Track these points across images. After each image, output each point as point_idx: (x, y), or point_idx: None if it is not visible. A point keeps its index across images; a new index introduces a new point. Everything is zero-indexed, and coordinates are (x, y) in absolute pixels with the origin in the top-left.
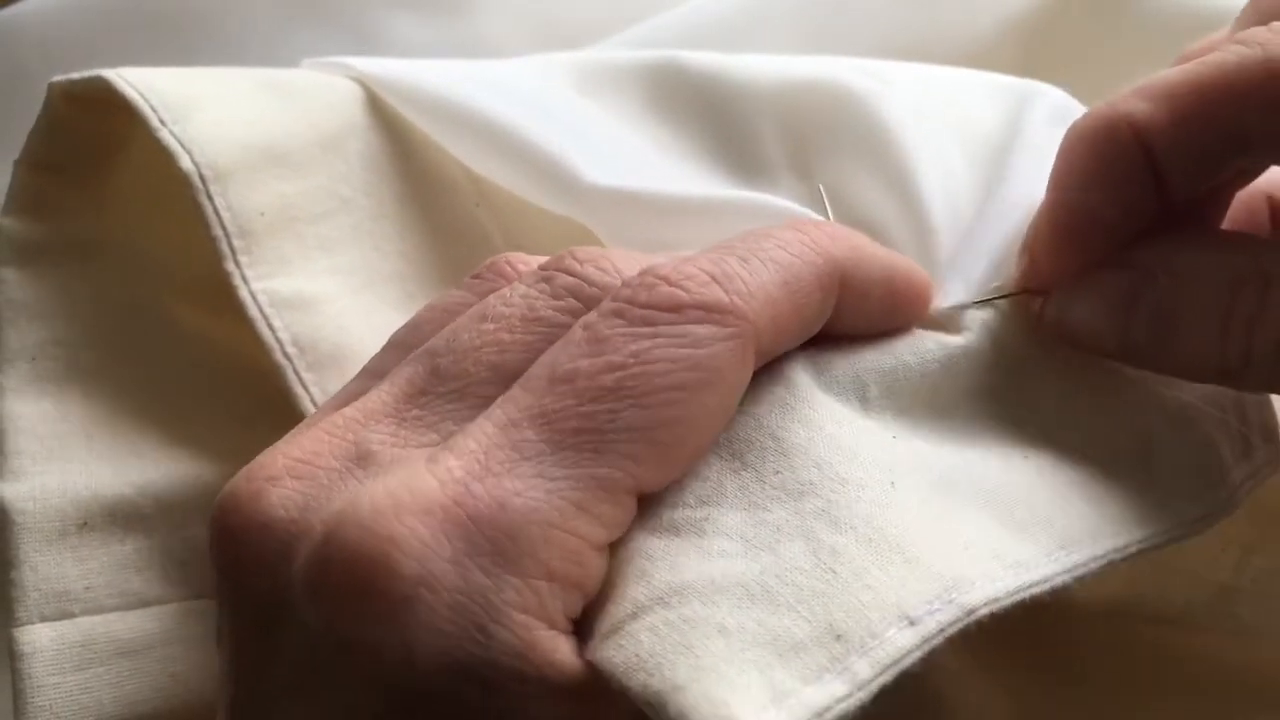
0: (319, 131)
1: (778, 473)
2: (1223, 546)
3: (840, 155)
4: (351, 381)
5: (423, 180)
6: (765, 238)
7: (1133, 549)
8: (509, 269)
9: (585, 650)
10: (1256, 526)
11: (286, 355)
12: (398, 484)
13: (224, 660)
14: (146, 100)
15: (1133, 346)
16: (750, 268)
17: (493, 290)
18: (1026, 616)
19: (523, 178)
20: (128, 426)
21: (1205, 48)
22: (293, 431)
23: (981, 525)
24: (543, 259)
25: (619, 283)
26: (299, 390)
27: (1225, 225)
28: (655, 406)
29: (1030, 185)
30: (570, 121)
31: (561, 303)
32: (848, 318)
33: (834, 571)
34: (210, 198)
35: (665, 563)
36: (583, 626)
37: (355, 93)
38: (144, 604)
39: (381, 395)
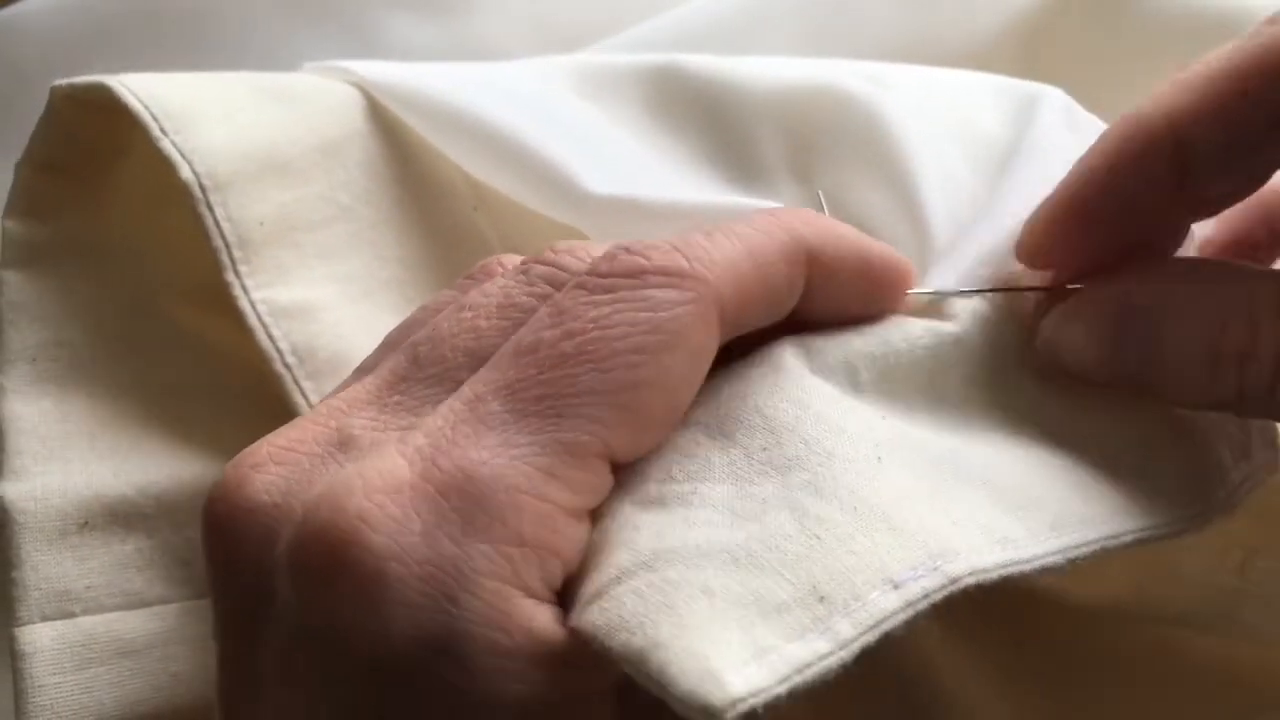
0: (319, 139)
1: (765, 449)
2: (1226, 549)
3: (841, 160)
4: (345, 380)
5: (421, 186)
6: (735, 220)
7: (1126, 538)
8: (499, 268)
9: (569, 618)
10: (1261, 528)
11: (286, 365)
12: (368, 465)
13: (217, 648)
14: (148, 109)
15: (1122, 376)
16: (714, 240)
17: None
18: (1029, 617)
19: (523, 185)
20: (129, 426)
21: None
22: (288, 424)
23: (971, 503)
24: None
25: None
26: (299, 399)
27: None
28: (616, 369)
29: (1031, 187)
30: (570, 127)
31: (536, 289)
32: (822, 298)
33: (818, 538)
34: (210, 208)
35: (651, 532)
36: (567, 598)
37: (355, 99)
38: (145, 604)
39: (365, 384)
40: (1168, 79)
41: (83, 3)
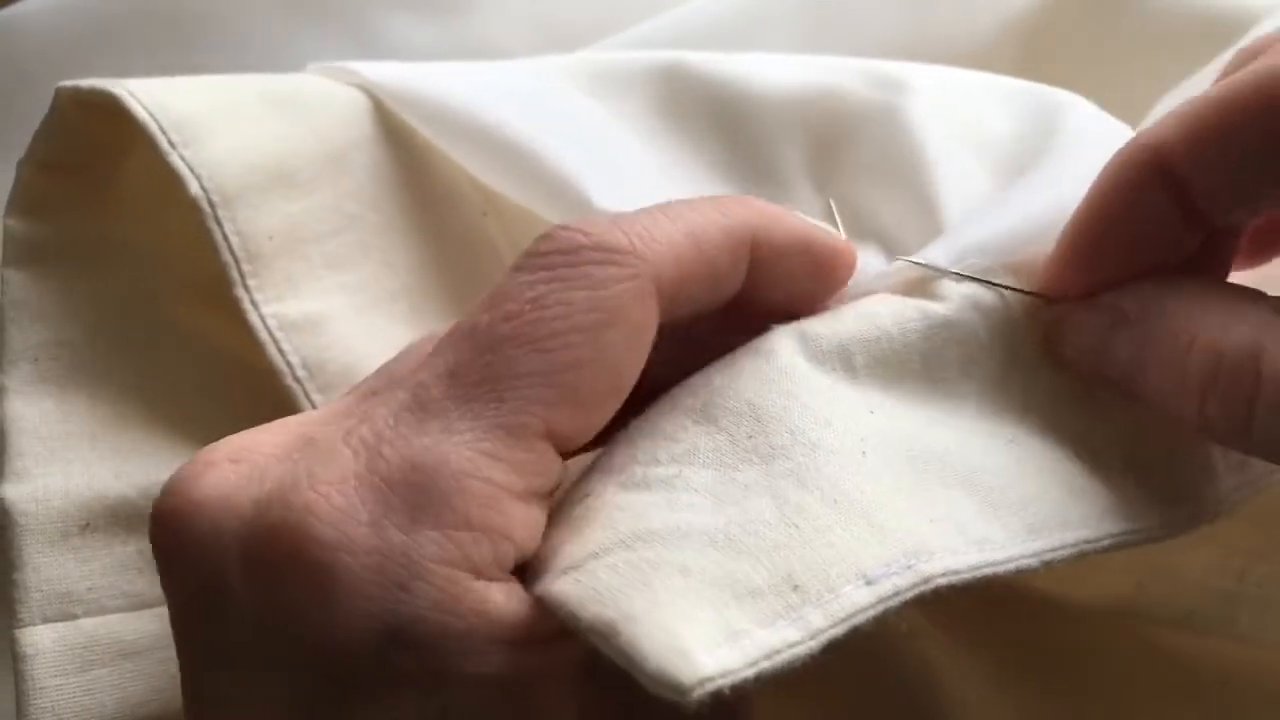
0: (325, 147)
1: (751, 436)
2: (1228, 553)
3: (859, 168)
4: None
5: (429, 191)
6: (677, 203)
7: (1105, 542)
8: None
9: (534, 586)
10: (1263, 533)
11: (297, 378)
12: (315, 459)
13: (176, 645)
14: (156, 121)
15: (1113, 381)
16: (653, 218)
17: None
18: (1030, 618)
19: (533, 195)
20: (130, 427)
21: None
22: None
23: (951, 502)
24: None
25: None
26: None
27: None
28: (555, 350)
29: (1050, 189)
30: (580, 134)
31: None
32: (768, 282)
33: (797, 527)
34: (219, 223)
35: (632, 512)
36: (529, 576)
37: (361, 103)
38: (146, 605)
39: (341, 400)
40: (1167, 100)
41: (83, 3)
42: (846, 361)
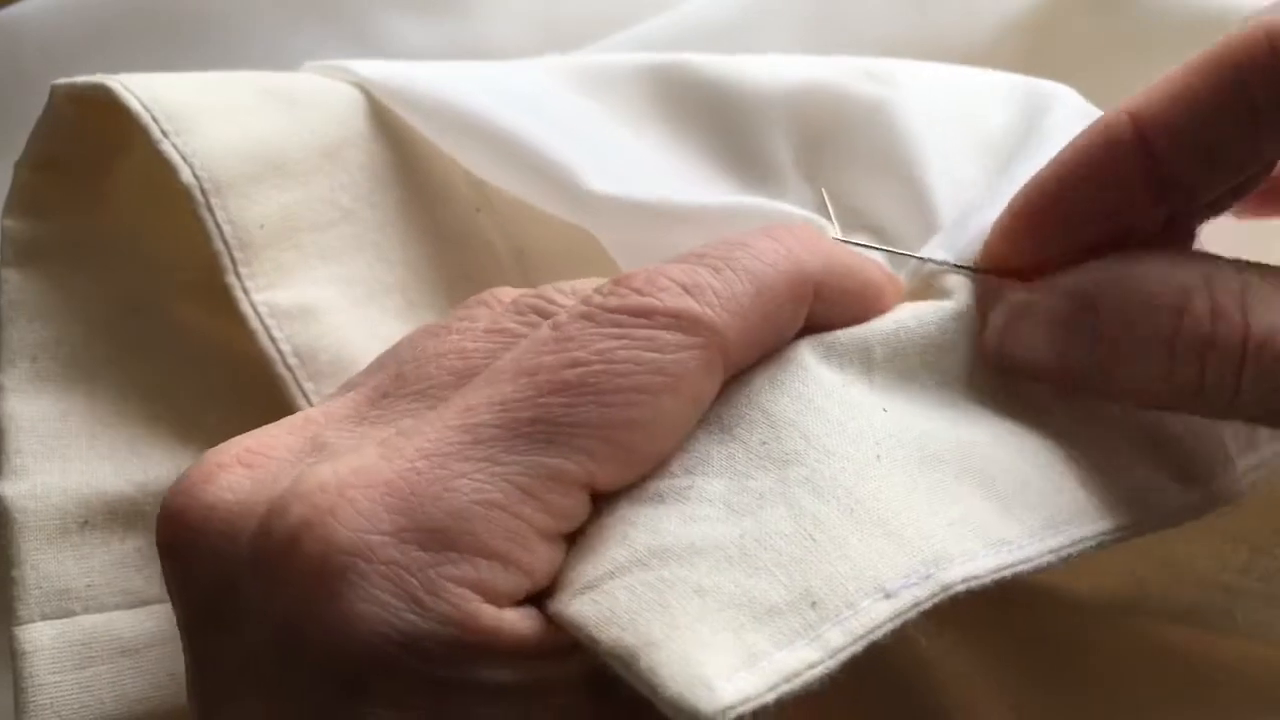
0: (321, 141)
1: (764, 443)
2: (1232, 547)
3: (850, 160)
4: (329, 395)
5: (424, 188)
6: (739, 246)
7: (1121, 534)
8: (492, 299)
9: (550, 604)
10: (1267, 526)
11: (288, 366)
12: (345, 464)
13: (185, 647)
14: (148, 110)
15: (1077, 374)
16: (723, 278)
17: None
18: (1030, 614)
19: (527, 184)
20: (129, 425)
21: None
22: (257, 429)
23: (967, 503)
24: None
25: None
26: (301, 401)
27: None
28: (616, 405)
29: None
30: (574, 126)
31: (524, 318)
32: (818, 318)
33: (814, 539)
34: (211, 210)
35: (647, 528)
36: (550, 592)
37: (357, 100)
38: (145, 603)
39: (346, 399)
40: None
41: (83, 3)
42: (865, 357)
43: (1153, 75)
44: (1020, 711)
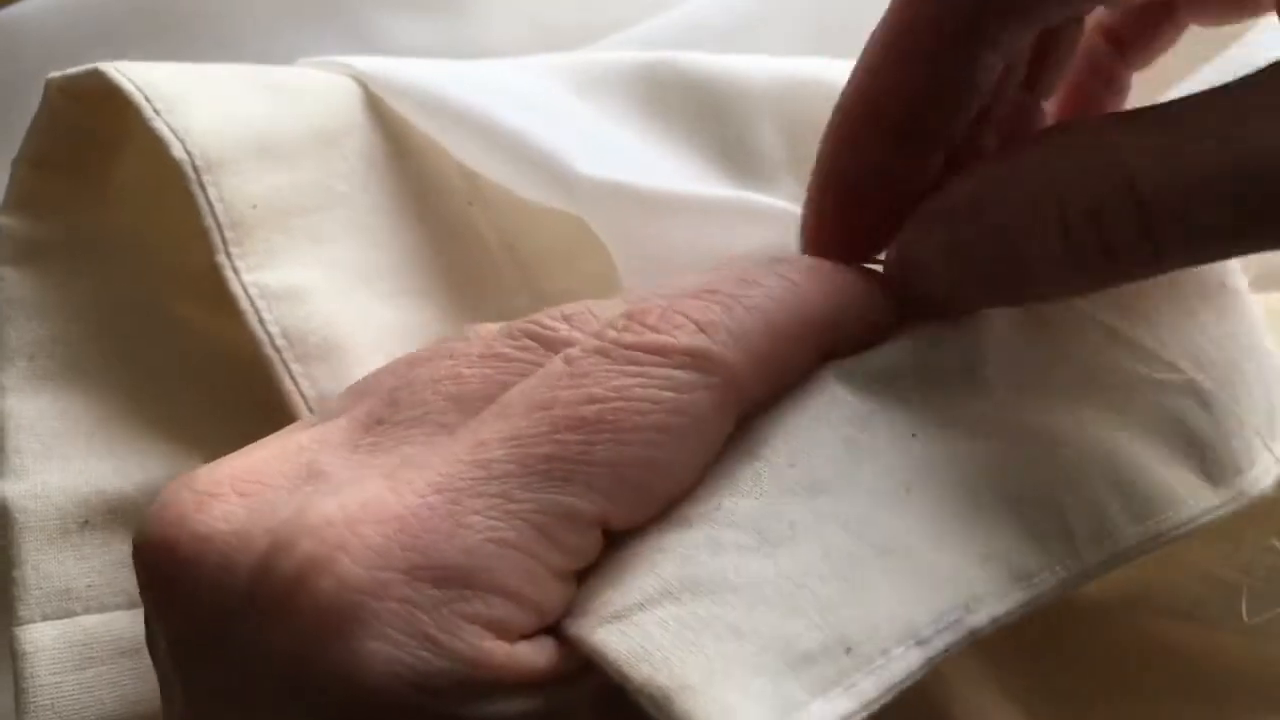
0: (314, 126)
1: (792, 466)
2: (1236, 544)
3: None
4: (305, 420)
5: (417, 177)
6: (750, 284)
7: (1156, 544)
8: (472, 333)
9: (569, 627)
10: (1271, 524)
11: (276, 347)
12: (350, 496)
13: (176, 683)
14: (141, 91)
15: (978, 283)
16: (735, 316)
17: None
18: (1038, 611)
19: (517, 172)
20: (129, 424)
21: None
22: (241, 450)
23: (1000, 534)
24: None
25: (575, 332)
26: (288, 384)
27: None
28: (633, 444)
29: None
30: (563, 118)
31: (518, 343)
32: (831, 350)
33: (847, 580)
34: (203, 187)
35: (676, 555)
36: (570, 610)
37: (352, 89)
38: None
39: (338, 424)
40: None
41: (83, 3)
42: (891, 378)
43: (1153, 74)
44: (1028, 711)
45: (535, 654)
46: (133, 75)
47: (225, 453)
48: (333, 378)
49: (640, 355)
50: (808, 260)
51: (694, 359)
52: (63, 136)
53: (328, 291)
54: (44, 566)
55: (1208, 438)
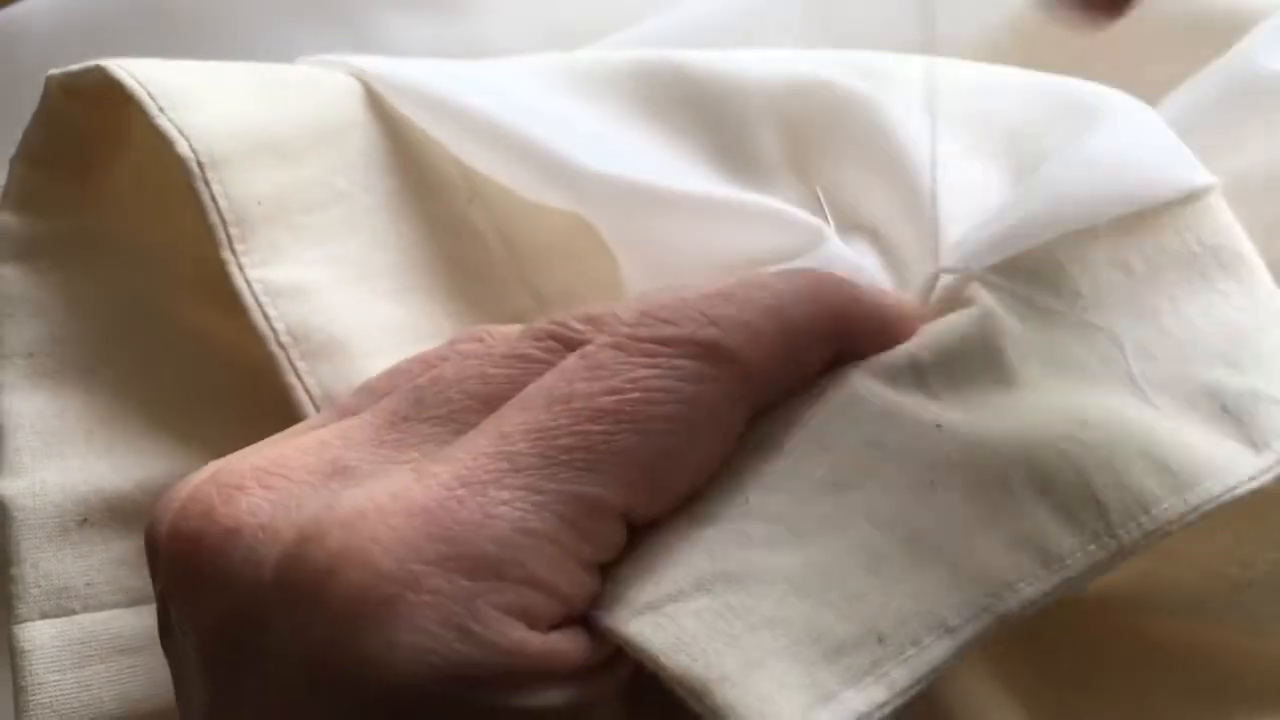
0: (317, 123)
1: (819, 463)
2: (1237, 540)
3: (840, 157)
4: (319, 416)
5: (418, 175)
6: (757, 288)
7: (1192, 515)
8: (484, 332)
9: (602, 618)
10: (1273, 519)
11: (281, 344)
12: (380, 489)
13: (188, 681)
14: (145, 88)
15: None
16: (745, 315)
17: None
18: (1041, 609)
19: (519, 169)
20: (128, 422)
21: None
22: (261, 443)
23: (1029, 519)
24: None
25: (599, 335)
26: (293, 380)
27: None
28: (652, 434)
29: (1080, 190)
30: (566, 118)
31: (543, 344)
32: (841, 355)
33: (877, 573)
34: (207, 184)
35: (706, 547)
36: (600, 601)
37: (353, 87)
38: (145, 601)
39: (361, 421)
40: (1167, 100)
41: (83, 3)
42: (914, 372)
43: (1154, 76)
44: (1030, 710)
45: (569, 644)
46: (135, 72)
47: (225, 451)
48: (337, 375)
49: (654, 347)
50: (812, 271)
51: (706, 350)
52: (62, 134)
53: (331, 288)
54: (43, 564)
55: (1245, 403)
